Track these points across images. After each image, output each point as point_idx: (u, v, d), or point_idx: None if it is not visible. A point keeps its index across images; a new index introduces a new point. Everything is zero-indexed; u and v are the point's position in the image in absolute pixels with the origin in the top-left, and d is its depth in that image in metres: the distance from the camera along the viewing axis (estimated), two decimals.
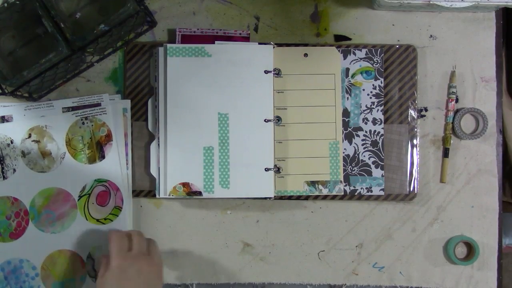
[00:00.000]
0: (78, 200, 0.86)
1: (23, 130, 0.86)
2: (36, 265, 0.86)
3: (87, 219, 0.87)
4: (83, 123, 0.87)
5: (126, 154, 0.88)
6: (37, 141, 0.86)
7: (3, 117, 0.87)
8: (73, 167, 0.86)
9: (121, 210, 0.87)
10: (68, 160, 0.86)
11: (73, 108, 0.88)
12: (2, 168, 0.86)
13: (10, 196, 0.86)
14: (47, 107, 0.87)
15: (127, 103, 0.89)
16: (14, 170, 0.86)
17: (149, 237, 0.86)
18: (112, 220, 0.87)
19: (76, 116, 0.87)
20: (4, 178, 0.86)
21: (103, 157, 0.87)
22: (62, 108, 0.87)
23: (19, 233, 0.86)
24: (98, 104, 0.87)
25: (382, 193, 0.89)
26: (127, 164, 0.88)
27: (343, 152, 0.89)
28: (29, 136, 0.86)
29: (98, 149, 0.87)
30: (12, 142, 0.86)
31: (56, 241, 0.83)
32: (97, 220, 0.87)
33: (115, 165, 0.87)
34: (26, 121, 0.86)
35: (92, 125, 0.87)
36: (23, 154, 0.86)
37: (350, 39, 0.91)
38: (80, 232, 0.86)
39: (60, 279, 0.86)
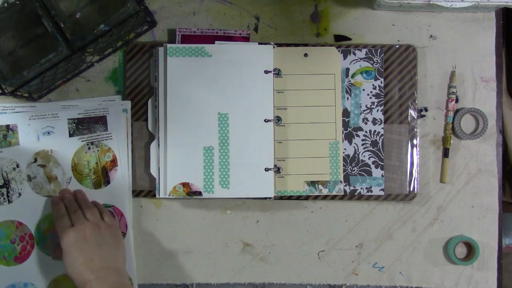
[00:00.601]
0: None
1: (29, 154, 0.86)
2: None
3: None
4: (89, 148, 0.87)
5: (127, 155, 0.88)
6: (43, 166, 0.86)
7: (8, 125, 0.87)
8: None
9: (125, 236, 0.87)
10: (74, 185, 0.86)
11: (79, 120, 0.87)
12: (8, 192, 0.85)
13: (15, 220, 0.85)
14: (52, 117, 0.87)
15: (128, 104, 0.89)
16: (20, 194, 0.86)
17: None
18: None
19: (82, 141, 0.87)
20: (10, 202, 0.85)
21: (108, 182, 0.87)
22: (68, 119, 0.87)
23: (24, 257, 0.85)
24: (103, 118, 0.87)
25: (382, 193, 0.89)
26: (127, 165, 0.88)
27: (343, 152, 0.89)
28: (35, 160, 0.86)
29: (103, 174, 0.87)
30: (18, 166, 0.86)
31: (61, 265, 0.82)
32: None
33: (120, 190, 0.87)
34: (31, 139, 0.86)
35: (98, 150, 0.87)
36: (29, 178, 0.86)
37: (350, 39, 0.91)
38: None
39: None
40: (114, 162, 0.87)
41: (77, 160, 0.86)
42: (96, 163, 0.87)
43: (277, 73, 0.88)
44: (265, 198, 0.88)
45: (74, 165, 0.86)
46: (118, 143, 0.87)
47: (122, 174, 0.87)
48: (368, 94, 0.89)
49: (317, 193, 0.88)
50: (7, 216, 0.85)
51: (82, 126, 0.87)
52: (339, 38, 0.91)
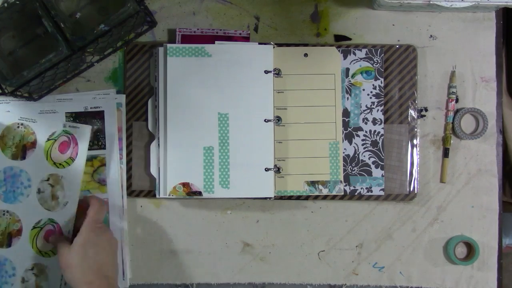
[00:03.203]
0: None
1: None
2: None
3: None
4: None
5: (120, 149, 0.88)
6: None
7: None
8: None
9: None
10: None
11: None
12: None
13: None
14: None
15: (122, 98, 0.89)
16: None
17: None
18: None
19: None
20: None
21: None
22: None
23: None
24: (101, 113, 0.89)
25: (382, 193, 0.89)
26: (121, 158, 0.88)
27: (343, 152, 0.89)
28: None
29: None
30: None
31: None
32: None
33: (112, 187, 0.89)
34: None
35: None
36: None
37: (350, 39, 0.91)
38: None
39: None
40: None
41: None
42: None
43: (277, 73, 0.88)
44: (265, 198, 0.88)
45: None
46: (107, 112, 0.89)
47: (114, 171, 0.88)
48: (368, 94, 0.89)
49: (317, 193, 0.88)
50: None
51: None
52: (339, 38, 0.91)
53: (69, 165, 0.88)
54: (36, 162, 0.88)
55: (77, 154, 0.88)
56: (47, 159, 0.88)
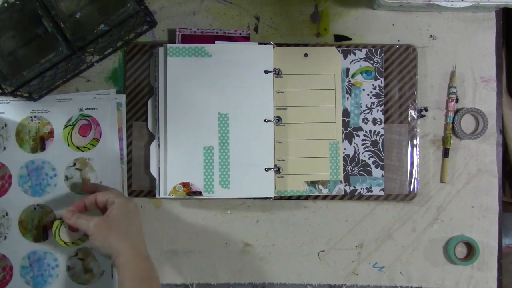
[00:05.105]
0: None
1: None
2: None
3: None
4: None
5: (121, 149, 0.88)
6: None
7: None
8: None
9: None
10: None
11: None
12: None
13: None
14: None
15: (122, 98, 0.89)
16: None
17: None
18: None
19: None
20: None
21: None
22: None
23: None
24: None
25: (382, 193, 0.89)
26: (121, 159, 0.88)
27: (343, 152, 0.89)
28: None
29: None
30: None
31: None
32: None
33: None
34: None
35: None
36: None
37: (350, 39, 0.91)
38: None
39: None
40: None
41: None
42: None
43: (277, 73, 0.88)
44: (265, 198, 0.88)
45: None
46: (106, 112, 0.88)
47: (113, 169, 0.88)
48: (368, 94, 0.89)
49: (317, 193, 0.88)
50: None
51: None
52: (339, 38, 0.91)
53: (95, 146, 0.87)
54: (58, 150, 0.87)
55: (100, 134, 0.88)
56: (69, 145, 0.87)
